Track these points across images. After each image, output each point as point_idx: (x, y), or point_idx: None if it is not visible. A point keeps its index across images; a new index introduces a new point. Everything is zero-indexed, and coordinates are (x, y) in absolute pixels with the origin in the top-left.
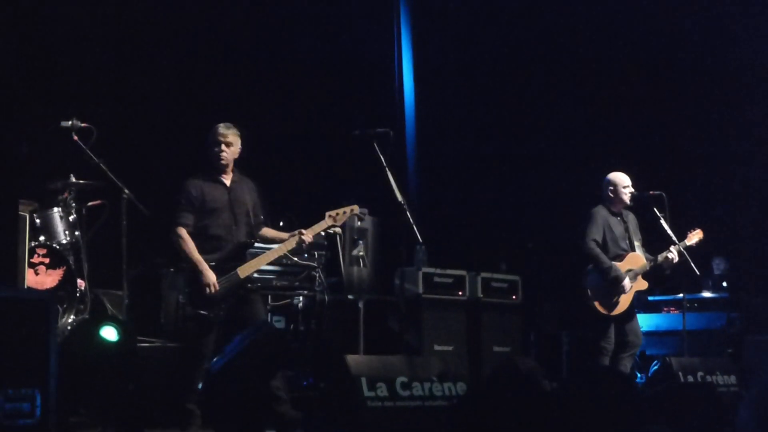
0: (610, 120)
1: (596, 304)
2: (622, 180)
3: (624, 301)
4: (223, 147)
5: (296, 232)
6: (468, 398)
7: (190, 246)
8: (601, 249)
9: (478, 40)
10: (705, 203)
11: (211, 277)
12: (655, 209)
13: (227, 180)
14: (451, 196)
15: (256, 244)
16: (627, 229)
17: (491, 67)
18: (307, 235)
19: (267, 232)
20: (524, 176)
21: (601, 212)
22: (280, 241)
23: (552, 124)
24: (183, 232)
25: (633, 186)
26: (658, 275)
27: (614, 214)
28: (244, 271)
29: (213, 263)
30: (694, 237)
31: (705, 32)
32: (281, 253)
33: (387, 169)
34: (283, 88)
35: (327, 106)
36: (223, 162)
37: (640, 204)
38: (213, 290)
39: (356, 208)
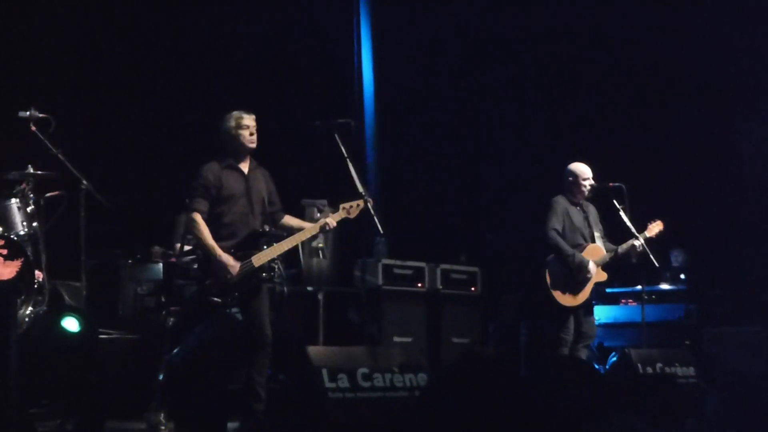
0: (569, 112)
1: (556, 294)
2: (582, 171)
3: (584, 293)
4: (253, 131)
5: (321, 220)
6: (430, 389)
7: (205, 232)
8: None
9: (438, 30)
10: (663, 195)
11: (229, 260)
12: (615, 201)
13: (245, 168)
14: (410, 188)
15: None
16: (587, 219)
17: (452, 58)
18: (332, 222)
19: (290, 220)
20: (483, 167)
21: (561, 202)
22: (298, 230)
23: (512, 116)
24: (198, 217)
25: (593, 178)
26: (619, 266)
27: (574, 204)
28: (258, 259)
29: (228, 251)
30: (655, 228)
31: (668, 25)
32: (298, 242)
33: (348, 160)
34: (241, 78)
35: (285, 97)
36: (253, 146)
37: (599, 195)
38: (232, 273)
39: (362, 203)
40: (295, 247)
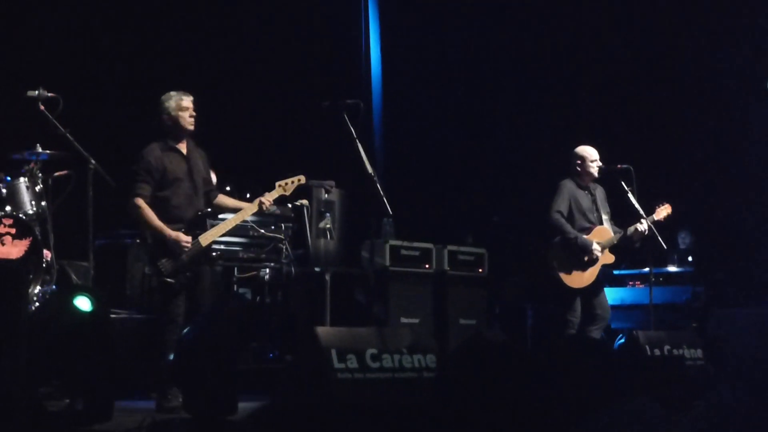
0: (577, 92)
1: (563, 276)
2: (589, 153)
3: (590, 274)
4: (193, 113)
5: (257, 199)
6: (439, 373)
7: (150, 215)
8: (566, 221)
9: (445, 11)
10: (672, 177)
11: (182, 236)
12: (623, 183)
13: (184, 149)
14: (417, 169)
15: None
16: (594, 202)
17: (459, 39)
18: (267, 200)
19: (224, 200)
20: (490, 149)
21: (567, 185)
22: (238, 209)
23: (519, 97)
24: (141, 202)
25: (601, 160)
26: (625, 248)
27: (581, 188)
28: (205, 239)
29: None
30: (663, 212)
31: (675, 12)
32: (240, 220)
33: (357, 140)
34: (250, 61)
35: (293, 78)
36: (192, 129)
37: (607, 177)
38: (186, 248)
39: (303, 178)
40: (303, 228)
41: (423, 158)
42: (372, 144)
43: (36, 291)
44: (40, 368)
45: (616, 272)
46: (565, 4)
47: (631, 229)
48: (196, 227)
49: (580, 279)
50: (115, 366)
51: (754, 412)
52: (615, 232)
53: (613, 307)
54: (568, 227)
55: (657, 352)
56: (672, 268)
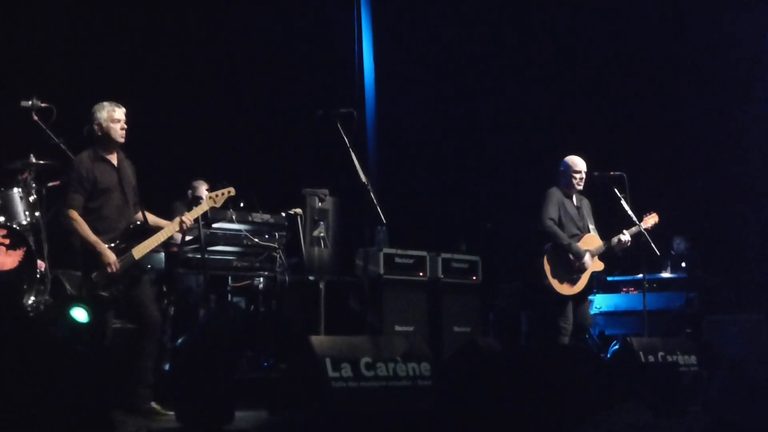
0: (570, 99)
1: (554, 283)
2: (575, 164)
3: (581, 281)
4: (124, 125)
5: (177, 218)
6: (434, 380)
7: (84, 228)
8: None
9: (438, 21)
10: (665, 183)
11: (110, 256)
12: (616, 189)
13: (114, 159)
14: (411, 177)
15: None
16: (580, 211)
17: (452, 48)
18: (187, 219)
19: (147, 215)
20: (484, 157)
21: (555, 193)
22: (158, 226)
23: (513, 105)
24: (75, 214)
25: (594, 166)
26: (613, 257)
27: (568, 197)
28: (138, 251)
29: (109, 244)
30: (650, 220)
31: (667, 15)
32: (168, 236)
33: (350, 149)
34: (244, 70)
35: (287, 86)
36: (122, 140)
37: (600, 184)
38: (114, 269)
39: (233, 190)
40: (297, 237)
41: (417, 166)
42: (366, 152)
43: (30, 301)
44: (36, 378)
45: (609, 279)
46: (558, 14)
47: (615, 239)
48: (127, 239)
49: (571, 286)
50: (108, 376)
51: (747, 418)
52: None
53: (607, 313)
54: (561, 234)
55: (651, 358)
56: (665, 275)
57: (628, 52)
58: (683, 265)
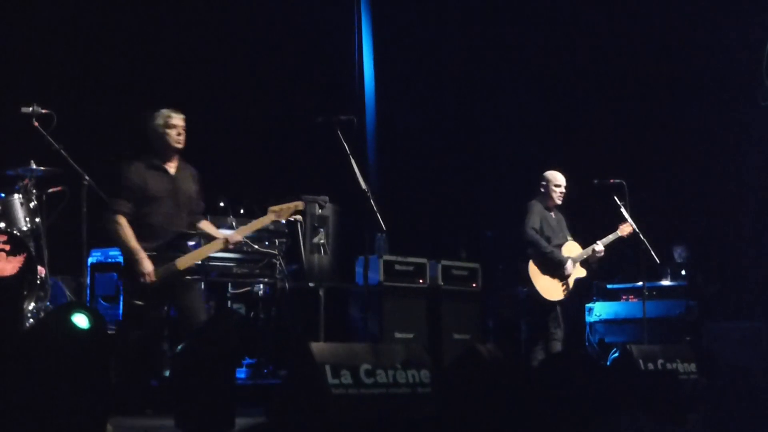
0: (570, 108)
1: (539, 289)
2: (556, 178)
3: (566, 287)
4: (181, 131)
5: (223, 237)
6: (434, 387)
7: (128, 234)
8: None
9: (438, 28)
10: (665, 191)
11: (147, 266)
12: (615, 197)
13: (171, 168)
14: (411, 184)
15: None
16: (560, 224)
17: (452, 55)
18: (236, 237)
19: (204, 225)
20: (484, 164)
21: (537, 205)
22: (212, 238)
23: (512, 113)
24: (122, 219)
25: (594, 174)
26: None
27: (548, 209)
28: (183, 263)
29: (152, 252)
30: (626, 229)
31: (669, 22)
32: (212, 252)
33: (350, 156)
34: (244, 75)
35: (287, 93)
36: (180, 147)
37: (600, 192)
38: (149, 280)
39: (300, 204)
40: (297, 243)
41: (417, 173)
42: (365, 159)
43: (30, 307)
44: (36, 385)
45: (609, 286)
46: (559, 23)
47: (588, 250)
48: (173, 248)
49: (557, 291)
50: (111, 383)
51: (747, 426)
52: None
53: (607, 321)
54: (543, 242)
55: (650, 366)
56: (665, 282)
57: (629, 60)
58: (683, 272)
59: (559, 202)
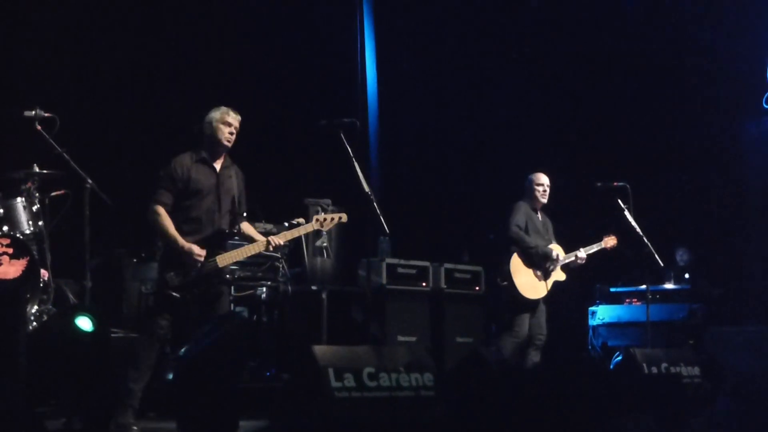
0: (573, 110)
1: (517, 285)
2: (536, 177)
3: (545, 286)
4: (234, 130)
5: (265, 239)
6: (437, 390)
7: (167, 222)
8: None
9: (441, 31)
10: (669, 194)
11: (195, 248)
12: (619, 200)
13: (218, 165)
14: (414, 187)
15: None
16: (545, 226)
17: (455, 58)
18: (277, 240)
19: (245, 227)
20: (487, 167)
21: (522, 206)
22: (251, 240)
23: (515, 116)
24: (161, 209)
25: (598, 177)
26: (623, 265)
27: (534, 210)
28: (223, 260)
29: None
30: (610, 242)
31: (671, 25)
32: (254, 252)
33: (353, 159)
34: (246, 79)
35: (289, 96)
36: (229, 145)
37: (604, 195)
38: (200, 260)
39: (344, 217)
40: (300, 247)
41: (420, 176)
42: (368, 162)
43: (33, 310)
44: (40, 387)
45: (612, 290)
46: (563, 26)
47: (571, 256)
48: (215, 245)
49: (535, 290)
50: (110, 385)
51: (750, 429)
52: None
53: (610, 324)
54: (528, 238)
55: (654, 369)
56: (669, 286)
57: (632, 63)
58: (687, 276)
59: (543, 200)
